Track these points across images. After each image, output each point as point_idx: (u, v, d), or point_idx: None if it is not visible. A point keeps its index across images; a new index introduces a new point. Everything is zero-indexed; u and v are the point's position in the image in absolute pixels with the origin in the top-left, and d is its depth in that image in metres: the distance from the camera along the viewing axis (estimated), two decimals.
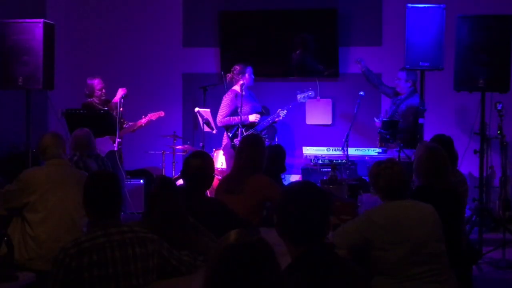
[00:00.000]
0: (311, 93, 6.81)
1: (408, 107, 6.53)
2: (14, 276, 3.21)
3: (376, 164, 3.45)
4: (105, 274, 2.70)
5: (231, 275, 1.70)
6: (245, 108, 6.68)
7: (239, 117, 6.58)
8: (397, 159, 5.56)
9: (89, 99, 6.92)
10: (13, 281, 3.17)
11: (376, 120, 6.62)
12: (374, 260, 3.21)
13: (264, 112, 6.92)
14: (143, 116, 6.95)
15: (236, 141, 6.60)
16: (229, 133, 6.78)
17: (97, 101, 6.90)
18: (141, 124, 6.97)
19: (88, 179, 2.98)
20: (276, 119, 6.80)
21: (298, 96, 6.81)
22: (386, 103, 7.29)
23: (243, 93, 6.65)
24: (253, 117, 6.69)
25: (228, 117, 6.74)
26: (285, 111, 6.74)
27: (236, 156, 4.56)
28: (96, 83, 6.91)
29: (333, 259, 2.20)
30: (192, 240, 3.17)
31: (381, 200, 3.40)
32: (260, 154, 4.42)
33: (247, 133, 6.57)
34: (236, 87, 6.74)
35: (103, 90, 6.93)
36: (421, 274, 3.15)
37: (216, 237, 3.22)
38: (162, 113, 7.03)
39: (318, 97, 7.82)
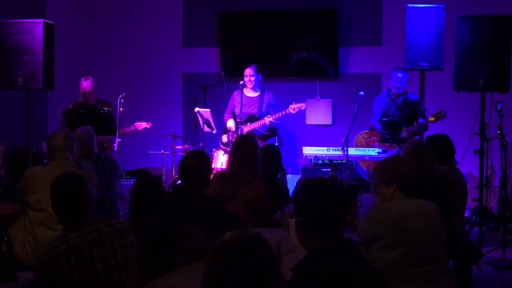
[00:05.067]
0: (303, 105, 6.69)
1: (411, 105, 6.46)
2: (14, 276, 3.20)
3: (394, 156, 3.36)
4: (85, 275, 2.67)
5: (229, 271, 1.70)
6: (242, 109, 6.77)
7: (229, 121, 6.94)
8: None
9: (79, 99, 6.87)
10: (13, 281, 3.17)
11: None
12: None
13: (258, 118, 6.78)
14: (126, 125, 6.91)
15: (223, 136, 7.05)
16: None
17: (84, 102, 6.85)
18: (126, 132, 6.90)
19: (51, 185, 2.94)
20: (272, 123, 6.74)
21: (291, 106, 6.67)
22: None
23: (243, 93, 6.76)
24: (229, 123, 6.92)
25: (227, 115, 7.05)
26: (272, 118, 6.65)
27: (230, 158, 4.49)
28: (82, 86, 6.77)
29: (358, 253, 2.23)
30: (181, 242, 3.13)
31: (394, 193, 3.31)
32: (255, 154, 4.38)
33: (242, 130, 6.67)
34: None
35: (86, 95, 6.77)
36: (421, 274, 3.15)
37: (211, 237, 3.19)
38: (149, 125, 6.95)
39: (318, 97, 7.82)
